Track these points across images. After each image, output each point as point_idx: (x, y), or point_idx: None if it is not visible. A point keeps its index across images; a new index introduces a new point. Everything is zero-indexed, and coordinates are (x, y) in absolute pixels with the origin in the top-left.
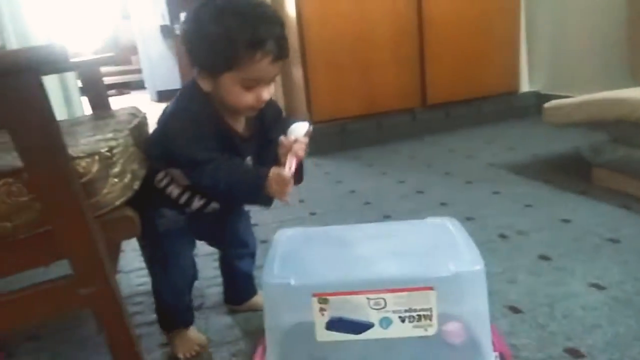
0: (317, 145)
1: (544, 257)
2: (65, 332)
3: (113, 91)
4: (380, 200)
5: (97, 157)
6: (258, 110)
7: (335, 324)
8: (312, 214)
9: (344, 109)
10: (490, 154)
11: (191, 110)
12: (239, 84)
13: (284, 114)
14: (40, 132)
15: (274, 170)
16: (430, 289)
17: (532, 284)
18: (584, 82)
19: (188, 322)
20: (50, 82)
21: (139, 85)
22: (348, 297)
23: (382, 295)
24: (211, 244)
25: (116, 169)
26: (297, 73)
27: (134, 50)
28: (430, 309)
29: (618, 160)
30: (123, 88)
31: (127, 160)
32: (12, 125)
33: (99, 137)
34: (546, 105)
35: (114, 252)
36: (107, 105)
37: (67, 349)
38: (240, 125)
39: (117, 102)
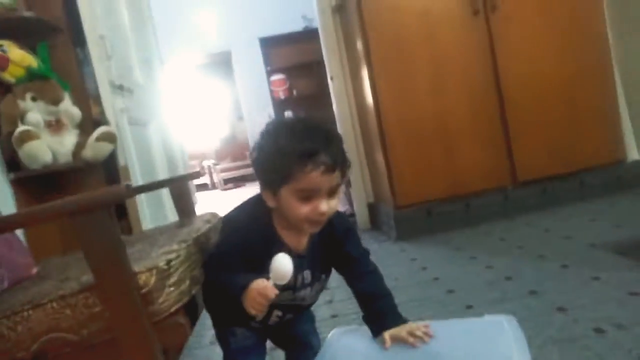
0: (403, 229)
1: None
2: None
3: (230, 185)
4: (464, 288)
5: (154, 271)
6: (320, 224)
7: None
8: None
9: (428, 192)
10: (592, 233)
11: (243, 220)
12: (295, 196)
13: (355, 230)
14: (108, 256)
15: (257, 282)
16: None
17: None
18: None
19: None
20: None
21: (254, 178)
22: None
23: None
24: (277, 344)
25: (173, 279)
26: (379, 158)
27: (248, 147)
28: None
29: None
30: (239, 181)
31: (185, 269)
32: (88, 250)
33: (165, 248)
34: None
35: (173, 356)
36: (193, 213)
37: None
38: (299, 243)
39: (232, 194)
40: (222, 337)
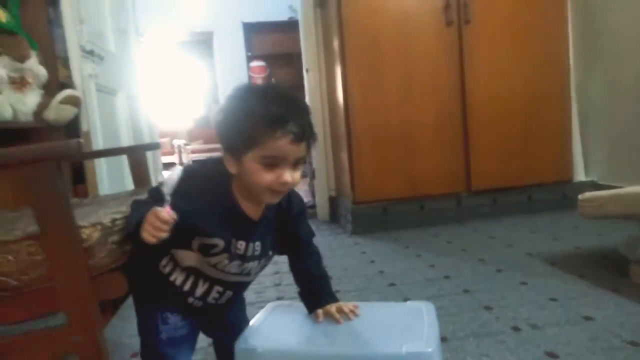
0: (359, 224)
1: (551, 355)
2: None
3: None
4: (405, 283)
5: (99, 227)
6: (280, 195)
7: None
8: (336, 292)
9: (387, 191)
10: (531, 243)
11: (203, 177)
12: (260, 162)
13: (307, 214)
14: (54, 207)
15: (153, 210)
16: None
17: None
18: None
19: None
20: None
21: None
22: None
23: None
24: (209, 335)
25: (116, 237)
26: (344, 156)
27: None
28: None
29: None
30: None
31: None
32: (35, 200)
33: (114, 210)
34: (580, 196)
35: (106, 310)
36: (147, 183)
37: None
38: (255, 213)
39: None
40: (149, 326)
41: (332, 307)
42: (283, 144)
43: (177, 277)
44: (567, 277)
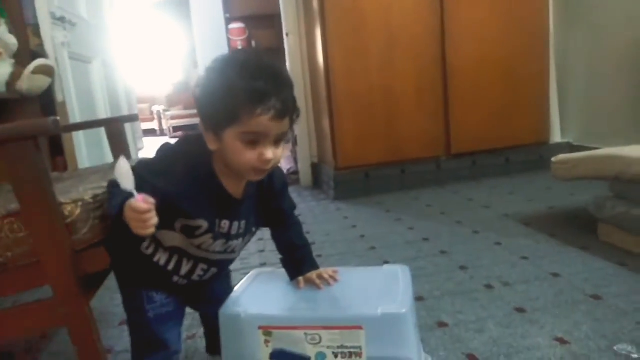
0: (341, 190)
1: (519, 310)
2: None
3: (179, 132)
4: (385, 246)
5: (80, 203)
6: (264, 173)
7: (278, 355)
8: (318, 256)
9: (368, 156)
10: (508, 205)
11: (183, 154)
12: (241, 139)
13: (288, 185)
14: (34, 185)
15: (128, 205)
16: (360, 328)
17: (497, 335)
18: (617, 134)
19: None
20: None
21: None
22: (288, 331)
23: (317, 331)
24: (194, 308)
25: (98, 213)
26: (325, 122)
27: None
28: (360, 347)
29: (617, 216)
30: (190, 130)
31: None
32: (15, 179)
33: (94, 185)
34: (553, 159)
35: (92, 282)
36: (127, 155)
37: None
38: (237, 189)
39: None
40: (135, 305)
41: (313, 274)
42: (264, 120)
43: (161, 258)
44: (539, 237)
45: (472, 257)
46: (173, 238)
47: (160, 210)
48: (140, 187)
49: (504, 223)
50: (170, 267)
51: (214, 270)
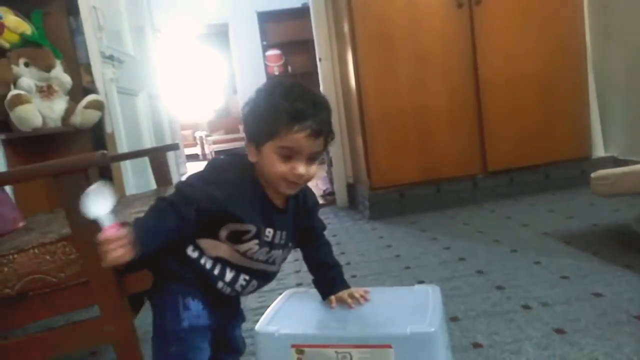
0: (376, 210)
1: (559, 331)
2: None
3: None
4: (420, 266)
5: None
6: (296, 187)
7: None
8: (353, 276)
9: (403, 176)
10: (547, 222)
11: (232, 165)
12: (277, 152)
13: (319, 207)
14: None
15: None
16: (389, 346)
17: (534, 357)
18: None
19: None
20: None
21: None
22: (320, 349)
23: (348, 350)
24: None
25: None
26: (359, 143)
27: (241, 121)
28: None
29: None
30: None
31: None
32: (67, 206)
33: (138, 209)
34: (593, 175)
35: (136, 303)
36: (169, 182)
37: None
38: (278, 200)
39: None
40: (170, 311)
41: (344, 293)
42: (300, 137)
43: (207, 262)
44: (580, 255)
45: (510, 277)
46: (217, 247)
47: (206, 219)
48: (192, 196)
49: (544, 241)
50: (216, 272)
51: (254, 283)
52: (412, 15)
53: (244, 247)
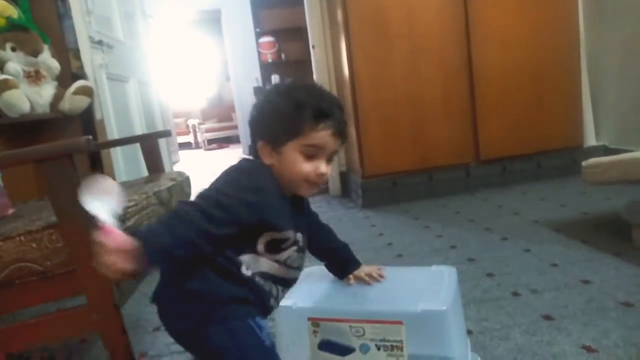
0: (369, 198)
1: (547, 317)
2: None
3: (214, 145)
4: (412, 254)
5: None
6: (316, 188)
7: (325, 345)
8: None
9: (395, 164)
10: (539, 211)
11: (262, 169)
12: (301, 152)
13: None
14: (69, 199)
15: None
16: (401, 323)
17: (523, 343)
18: None
19: None
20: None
21: (238, 140)
22: (334, 323)
23: (361, 324)
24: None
25: (129, 224)
26: (352, 130)
27: (234, 108)
28: (401, 341)
29: None
30: (223, 142)
31: (142, 217)
32: (52, 193)
33: (127, 197)
34: (584, 163)
35: (124, 292)
36: (161, 169)
37: None
38: (297, 202)
39: (215, 155)
40: (249, 336)
41: (361, 272)
42: (325, 135)
43: (259, 279)
44: (570, 243)
45: (500, 264)
46: (259, 262)
47: (247, 230)
48: (229, 205)
49: (534, 229)
50: (267, 288)
51: (282, 295)
52: (407, 3)
53: (283, 255)
